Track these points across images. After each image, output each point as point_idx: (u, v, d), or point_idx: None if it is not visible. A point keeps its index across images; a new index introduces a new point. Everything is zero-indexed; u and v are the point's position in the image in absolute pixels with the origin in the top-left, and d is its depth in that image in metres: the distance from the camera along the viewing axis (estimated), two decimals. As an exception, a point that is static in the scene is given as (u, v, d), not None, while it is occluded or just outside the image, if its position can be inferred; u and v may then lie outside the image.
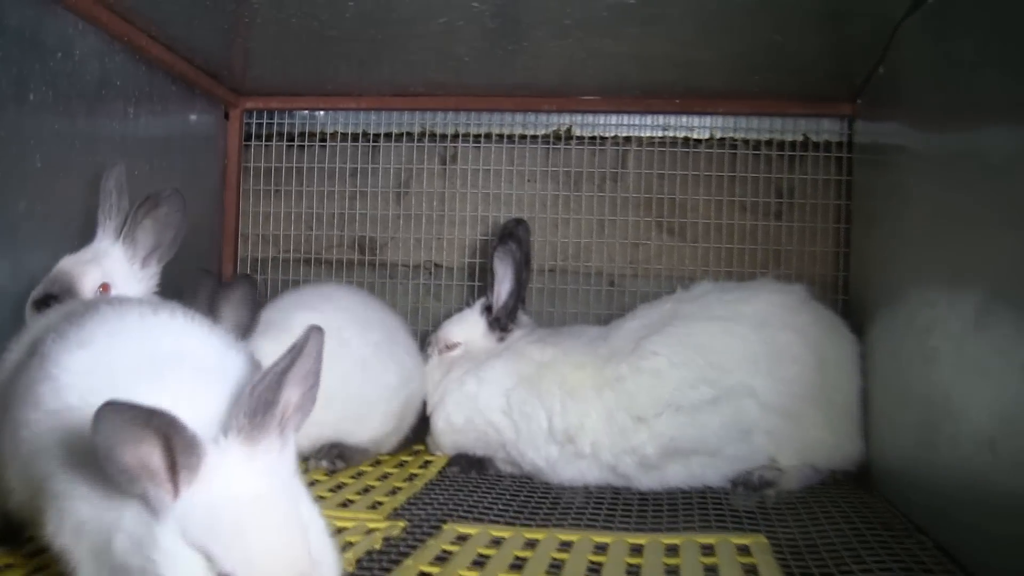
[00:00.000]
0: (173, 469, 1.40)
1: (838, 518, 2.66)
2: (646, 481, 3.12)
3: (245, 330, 2.98)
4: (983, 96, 2.17)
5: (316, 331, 1.59)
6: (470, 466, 3.30)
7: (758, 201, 3.95)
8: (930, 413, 2.45)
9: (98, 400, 1.35)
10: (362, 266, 4.19)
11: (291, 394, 1.54)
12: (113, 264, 2.71)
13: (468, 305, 3.73)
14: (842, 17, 2.90)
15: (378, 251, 4.18)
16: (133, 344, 1.71)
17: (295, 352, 1.52)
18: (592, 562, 2.23)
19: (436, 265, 4.15)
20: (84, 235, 2.84)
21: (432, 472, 3.22)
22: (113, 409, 1.33)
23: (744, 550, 2.35)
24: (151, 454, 1.39)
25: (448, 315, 3.93)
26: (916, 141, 2.79)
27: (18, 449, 1.68)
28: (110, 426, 1.33)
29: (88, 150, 2.94)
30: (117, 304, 1.89)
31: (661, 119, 3.99)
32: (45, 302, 2.47)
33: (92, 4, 2.83)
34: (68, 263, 2.64)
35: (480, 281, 4.08)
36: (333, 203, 4.18)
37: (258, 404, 1.47)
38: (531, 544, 2.37)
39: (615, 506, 2.90)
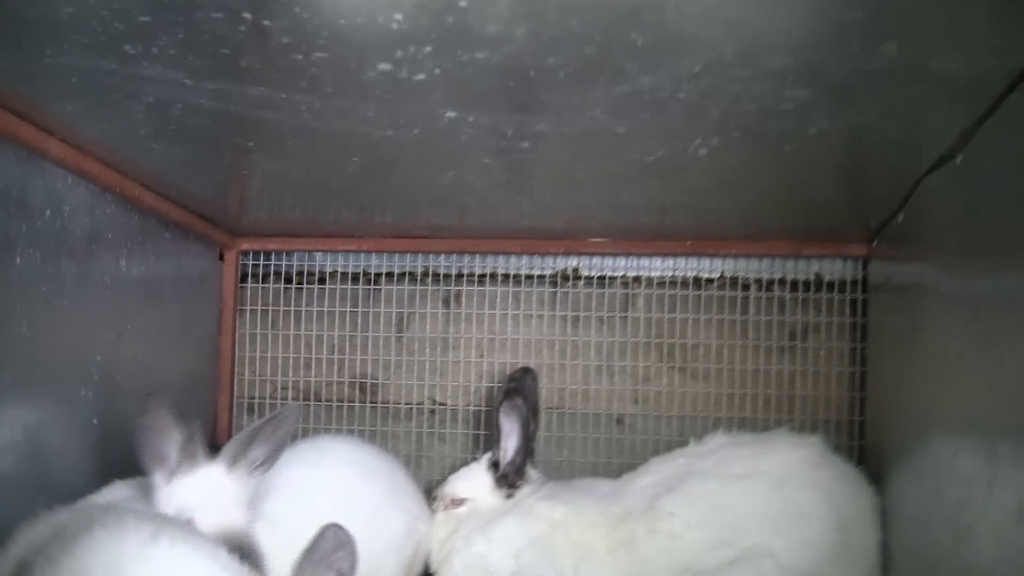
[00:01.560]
0: None
1: None
2: (664, 645, 3.00)
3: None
4: (1004, 243, 2.11)
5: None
6: (477, 624, 3.19)
7: (771, 344, 3.89)
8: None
9: None
10: (363, 409, 4.09)
11: None
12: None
13: (474, 458, 3.65)
14: (864, 172, 2.84)
15: (379, 393, 4.08)
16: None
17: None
18: None
19: (440, 404, 4.06)
20: (70, 400, 2.76)
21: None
22: None
23: None
24: None
25: (452, 459, 3.87)
26: (934, 283, 2.72)
27: None
28: None
29: (79, 308, 2.85)
30: (112, 527, 1.81)
31: (671, 261, 3.94)
32: None
33: (82, 157, 2.75)
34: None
35: (485, 430, 4.01)
36: (332, 345, 4.11)
37: None
38: None
39: None
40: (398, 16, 1.83)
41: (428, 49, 1.98)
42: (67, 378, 2.82)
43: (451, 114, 2.37)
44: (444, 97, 2.26)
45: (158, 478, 2.48)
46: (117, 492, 2.73)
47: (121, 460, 2.98)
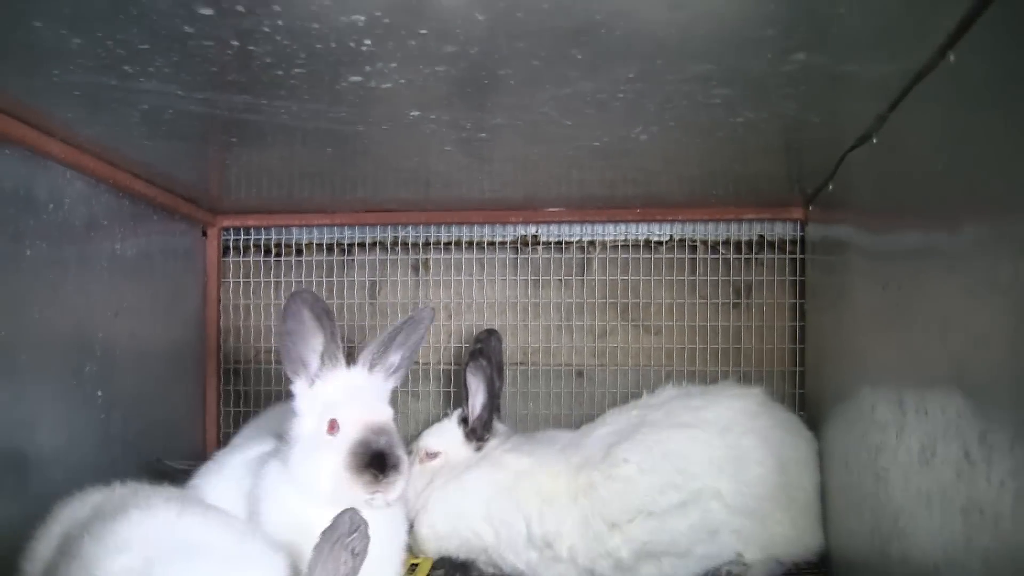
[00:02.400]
0: None
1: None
2: (622, 583, 3.27)
3: None
4: (912, 209, 2.38)
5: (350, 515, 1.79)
6: (454, 569, 3.44)
7: (718, 302, 4.14)
8: (881, 527, 2.61)
9: None
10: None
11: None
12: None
13: (446, 414, 3.87)
14: (793, 150, 3.10)
15: (355, 357, 4.30)
16: (168, 544, 1.87)
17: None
18: None
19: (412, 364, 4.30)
20: (77, 375, 3.00)
21: (421, 576, 3.37)
22: None
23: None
24: None
25: (426, 414, 4.11)
26: (857, 244, 3.00)
27: None
28: None
29: (81, 291, 3.07)
30: (144, 506, 2.05)
31: (623, 227, 4.17)
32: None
33: (80, 154, 2.97)
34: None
35: (455, 387, 4.25)
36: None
37: None
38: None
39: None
40: (367, 41, 2.08)
41: (394, 65, 2.23)
42: (73, 356, 3.04)
43: (415, 113, 2.62)
44: (409, 100, 2.52)
45: (300, 384, 2.53)
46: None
47: (122, 428, 3.26)
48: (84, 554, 1.92)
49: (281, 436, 2.57)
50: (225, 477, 2.70)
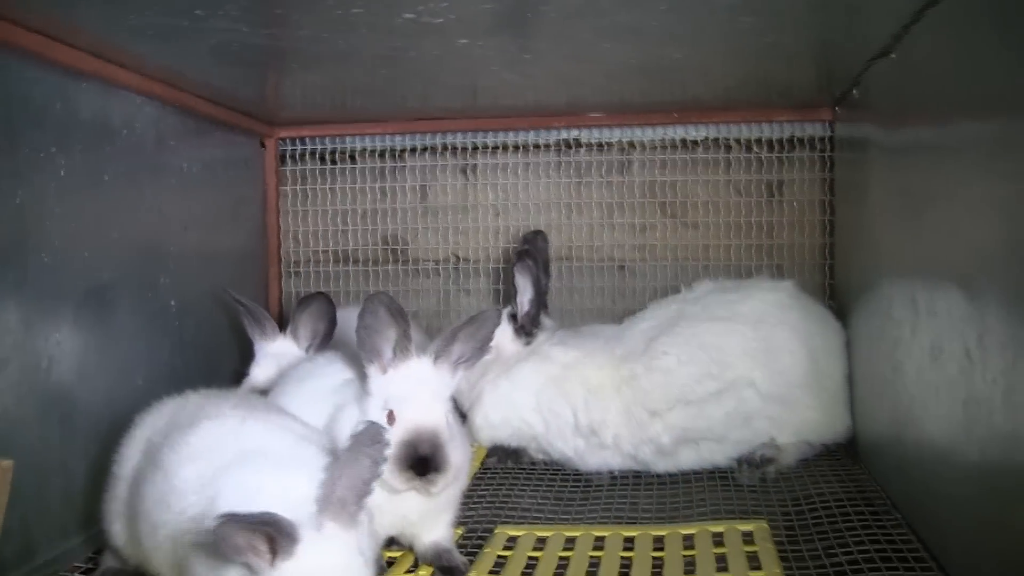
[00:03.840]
0: (274, 550, 1.79)
1: (828, 497, 3.05)
2: (662, 465, 3.50)
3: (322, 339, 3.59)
4: (934, 117, 2.54)
5: (373, 428, 2.01)
6: (507, 456, 3.68)
7: (751, 199, 4.32)
8: (898, 413, 2.84)
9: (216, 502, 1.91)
10: (395, 270, 4.57)
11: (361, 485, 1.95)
12: None
13: (496, 310, 4.08)
14: (822, 62, 3.31)
15: (408, 255, 4.57)
16: (231, 451, 2.12)
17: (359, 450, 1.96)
18: (623, 558, 2.64)
19: (464, 260, 4.53)
20: (153, 287, 3.27)
21: (475, 464, 3.60)
22: (227, 523, 1.71)
23: (748, 536, 2.74)
24: (258, 545, 1.78)
25: (476, 310, 4.33)
26: (877, 142, 3.20)
27: (160, 544, 2.12)
28: (226, 532, 1.71)
29: (154, 210, 3.28)
30: (215, 416, 2.30)
31: (661, 130, 4.34)
32: None
33: (150, 81, 3.16)
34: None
35: (504, 284, 4.46)
36: (367, 216, 4.56)
37: (345, 492, 1.90)
38: (571, 542, 2.78)
39: (637, 491, 3.32)
40: (421, -14, 2.29)
41: (444, 4, 2.42)
42: (149, 269, 3.27)
43: (464, 41, 2.81)
44: (458, 32, 2.71)
45: (373, 369, 2.61)
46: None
47: (194, 333, 3.52)
48: (164, 463, 2.18)
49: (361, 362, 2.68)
50: (307, 404, 2.85)
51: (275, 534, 1.77)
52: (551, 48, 2.94)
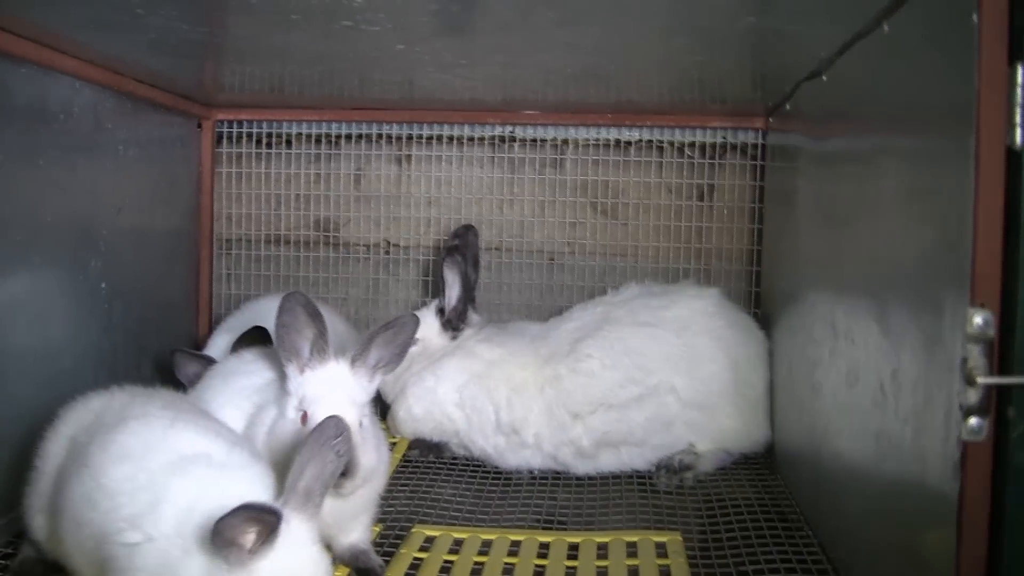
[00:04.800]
0: (260, 541, 1.83)
1: (743, 507, 3.11)
2: (582, 467, 3.53)
3: None
4: (857, 137, 2.63)
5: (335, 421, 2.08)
6: (428, 450, 3.70)
7: (682, 202, 4.35)
8: (815, 431, 2.90)
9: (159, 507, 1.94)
10: (326, 256, 4.58)
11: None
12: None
13: (424, 303, 4.15)
14: (759, 76, 3.36)
15: (341, 238, 4.57)
16: (163, 453, 2.14)
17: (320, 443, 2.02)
18: (537, 565, 2.69)
19: (394, 245, 4.54)
20: (84, 270, 3.25)
21: (397, 456, 3.64)
22: (239, 512, 1.76)
23: (661, 548, 2.79)
24: (246, 537, 1.83)
25: (407, 298, 4.45)
26: (804, 159, 3.28)
27: (82, 543, 2.12)
28: (232, 522, 1.77)
29: (88, 192, 3.27)
30: (142, 417, 2.29)
31: (595, 129, 4.37)
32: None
33: (88, 66, 3.15)
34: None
35: (433, 276, 4.48)
36: (301, 200, 4.56)
37: (310, 484, 1.98)
38: (487, 545, 2.82)
39: (556, 491, 3.38)
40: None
41: (382, 15, 2.46)
42: (81, 252, 3.25)
43: (400, 46, 2.85)
44: (395, 38, 2.74)
45: (292, 369, 2.63)
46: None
47: (124, 316, 3.51)
48: (91, 462, 2.18)
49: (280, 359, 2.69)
50: (231, 402, 2.87)
51: (274, 524, 1.82)
52: (486, 55, 2.98)
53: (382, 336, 2.65)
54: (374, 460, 2.57)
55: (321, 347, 2.58)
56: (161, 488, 2.01)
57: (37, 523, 2.44)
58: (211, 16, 2.55)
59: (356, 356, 2.61)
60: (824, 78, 2.95)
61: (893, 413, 2.15)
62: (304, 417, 2.53)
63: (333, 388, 2.57)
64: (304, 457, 2.00)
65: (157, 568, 1.92)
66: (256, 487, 2.06)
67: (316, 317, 2.58)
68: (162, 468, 2.08)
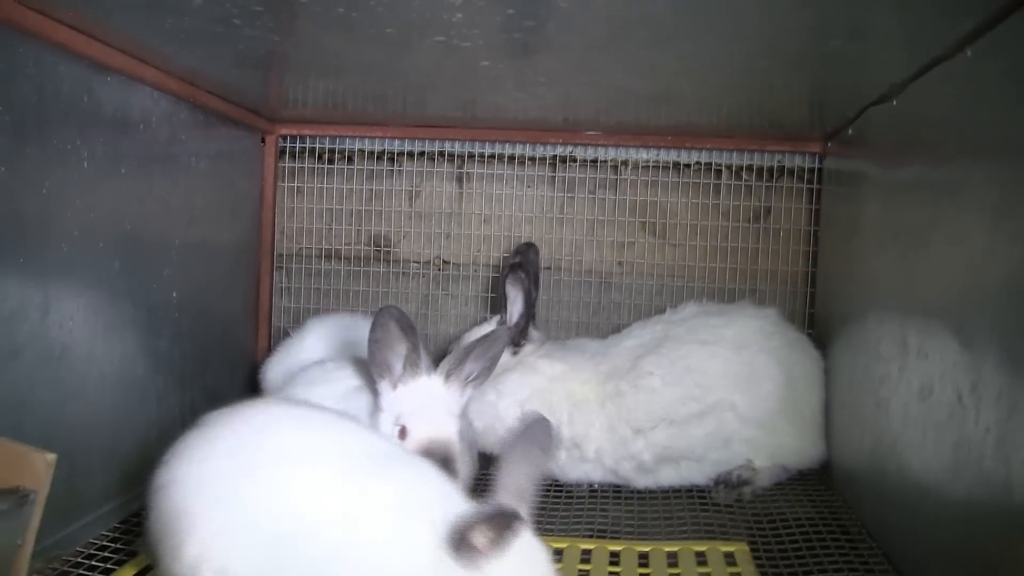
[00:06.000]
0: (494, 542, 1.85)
1: (804, 521, 3.17)
2: (642, 481, 3.59)
3: None
4: (932, 165, 2.67)
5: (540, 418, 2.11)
6: (489, 465, 3.73)
7: (738, 224, 4.40)
8: (880, 447, 2.94)
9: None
10: (379, 271, 4.62)
11: None
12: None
13: (485, 318, 4.22)
14: (823, 99, 3.40)
15: (394, 258, 4.62)
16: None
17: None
18: (611, 572, 2.74)
19: (450, 263, 4.59)
20: (157, 278, 3.32)
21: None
22: (479, 516, 1.82)
23: (730, 557, 2.84)
24: (485, 539, 1.84)
25: (461, 315, 4.50)
26: (872, 184, 3.29)
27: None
28: (474, 522, 1.81)
29: (162, 203, 3.32)
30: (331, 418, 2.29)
31: (654, 151, 4.42)
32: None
33: (167, 77, 3.21)
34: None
35: (488, 291, 4.54)
36: (358, 216, 4.60)
37: (523, 482, 1.98)
38: (558, 553, 2.85)
39: (618, 505, 3.43)
40: (459, 15, 2.37)
41: (476, 31, 2.51)
42: (155, 261, 3.31)
43: (486, 63, 2.89)
44: (482, 55, 2.79)
45: (384, 385, 2.68)
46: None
47: (191, 324, 3.58)
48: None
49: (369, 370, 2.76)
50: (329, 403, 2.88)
51: (515, 525, 1.84)
52: (570, 75, 3.03)
53: (477, 350, 2.71)
54: (469, 473, 2.61)
55: (414, 361, 2.63)
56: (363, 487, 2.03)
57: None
58: (305, 29, 2.61)
59: (451, 370, 2.67)
60: (894, 103, 3.00)
61: (973, 424, 2.19)
62: (402, 432, 2.57)
63: (430, 401, 2.63)
64: (514, 457, 2.00)
65: (370, 570, 1.92)
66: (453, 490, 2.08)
67: (409, 331, 2.62)
68: (361, 468, 2.09)
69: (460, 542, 1.82)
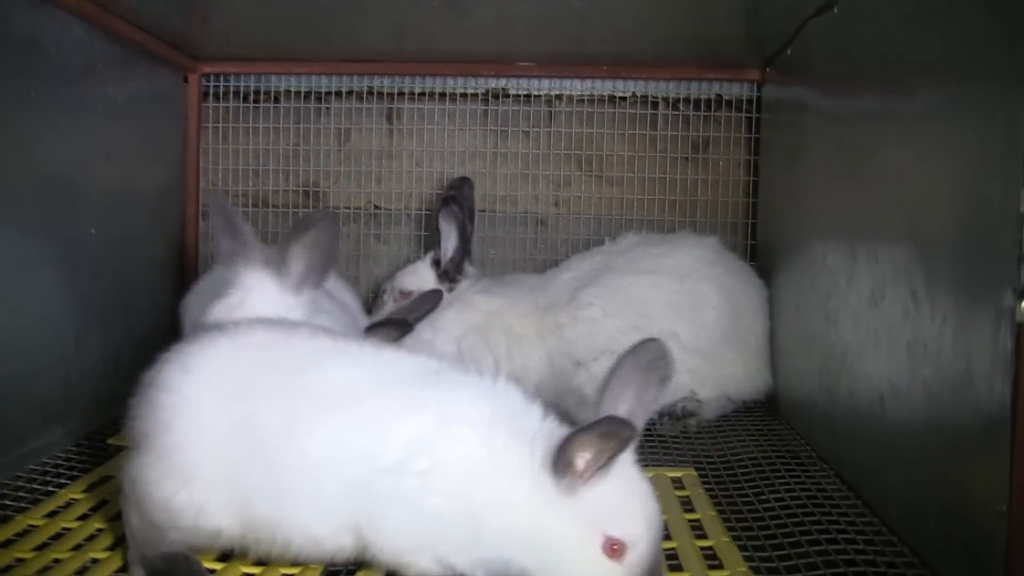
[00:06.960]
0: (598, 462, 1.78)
1: (753, 449, 3.11)
2: (584, 415, 3.49)
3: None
4: (868, 76, 2.62)
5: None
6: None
7: (676, 156, 4.32)
8: (830, 364, 2.87)
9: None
10: (313, 207, 4.49)
11: None
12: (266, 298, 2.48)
13: (418, 256, 4.09)
14: (759, 15, 3.31)
15: (325, 199, 4.49)
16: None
17: None
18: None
19: (382, 208, 4.47)
20: (75, 211, 3.17)
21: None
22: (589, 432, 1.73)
23: (678, 483, 2.77)
24: (586, 460, 1.78)
25: (396, 257, 4.34)
26: (815, 106, 3.22)
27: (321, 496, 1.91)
28: (583, 440, 1.74)
29: (78, 134, 3.18)
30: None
31: (589, 82, 4.32)
32: None
33: (83, 2, 3.08)
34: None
35: (426, 231, 4.41)
36: (287, 158, 4.47)
37: (633, 408, 1.91)
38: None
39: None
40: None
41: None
42: (72, 194, 3.16)
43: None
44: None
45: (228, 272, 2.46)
46: None
47: (114, 264, 3.43)
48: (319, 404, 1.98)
49: None
50: None
51: (628, 440, 1.75)
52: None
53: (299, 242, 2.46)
54: None
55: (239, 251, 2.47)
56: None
57: (215, 503, 1.95)
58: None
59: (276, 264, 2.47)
60: (835, 10, 2.92)
61: (929, 318, 2.12)
62: None
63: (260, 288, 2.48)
64: (624, 378, 1.91)
65: (460, 489, 1.83)
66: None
67: (240, 221, 2.48)
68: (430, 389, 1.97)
69: (561, 462, 1.74)
